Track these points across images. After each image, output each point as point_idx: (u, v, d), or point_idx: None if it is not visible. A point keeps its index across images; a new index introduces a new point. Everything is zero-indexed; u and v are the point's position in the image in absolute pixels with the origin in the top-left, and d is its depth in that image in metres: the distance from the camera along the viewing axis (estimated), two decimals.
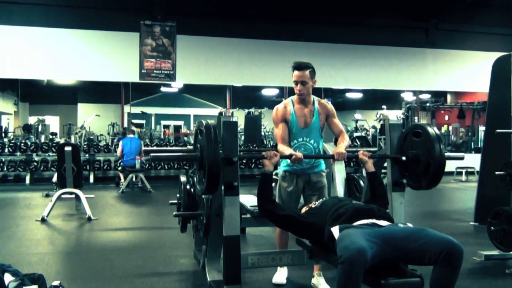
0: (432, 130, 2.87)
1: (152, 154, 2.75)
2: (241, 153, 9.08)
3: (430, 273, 2.24)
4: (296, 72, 3.17)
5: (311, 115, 3.24)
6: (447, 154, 2.88)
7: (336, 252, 2.21)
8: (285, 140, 3.21)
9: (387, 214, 2.60)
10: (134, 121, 15.26)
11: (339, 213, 2.52)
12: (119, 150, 9.28)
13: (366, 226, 2.38)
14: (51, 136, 12.67)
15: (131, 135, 9.51)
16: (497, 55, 5.60)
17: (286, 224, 2.81)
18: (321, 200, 2.87)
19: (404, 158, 2.95)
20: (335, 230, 2.37)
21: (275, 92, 16.27)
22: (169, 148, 10.69)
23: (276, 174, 3.31)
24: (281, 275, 3.44)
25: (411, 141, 2.97)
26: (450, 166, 9.77)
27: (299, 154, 2.88)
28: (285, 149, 3.07)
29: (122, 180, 9.18)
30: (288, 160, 3.18)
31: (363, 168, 3.02)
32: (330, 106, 3.36)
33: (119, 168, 9.37)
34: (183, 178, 3.78)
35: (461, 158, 3.14)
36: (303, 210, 2.89)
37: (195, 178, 3.50)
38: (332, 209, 2.57)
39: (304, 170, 3.27)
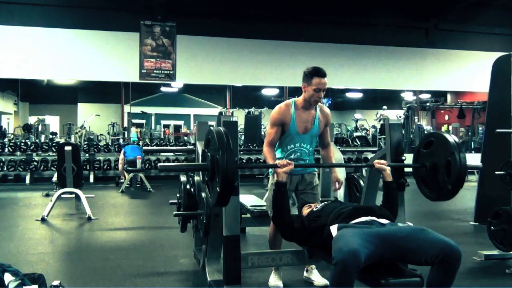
0: (448, 136, 2.79)
1: (160, 165, 2.62)
2: (242, 159, 9.03)
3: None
4: (320, 80, 3.04)
5: (312, 121, 3.19)
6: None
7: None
8: (272, 144, 3.18)
9: (387, 213, 2.61)
10: (134, 120, 15.25)
11: (339, 212, 2.54)
12: (121, 158, 9.37)
13: (366, 223, 2.39)
14: (51, 136, 12.66)
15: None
16: (497, 55, 5.60)
17: (296, 238, 2.77)
18: (322, 204, 2.87)
19: (427, 165, 2.82)
20: (334, 228, 2.39)
21: (275, 92, 16.26)
22: (169, 148, 10.71)
23: (268, 175, 3.29)
24: (274, 279, 3.38)
25: (426, 152, 2.87)
26: None
27: (287, 167, 2.74)
28: (270, 159, 3.11)
29: (126, 178, 9.19)
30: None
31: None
32: (330, 116, 3.32)
33: (125, 166, 9.35)
34: (183, 178, 3.78)
35: (480, 168, 3.00)
36: (305, 211, 2.90)
37: (195, 178, 3.50)
38: (334, 211, 2.59)
39: (298, 171, 3.25)
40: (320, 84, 3.05)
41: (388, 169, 2.83)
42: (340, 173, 3.77)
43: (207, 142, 2.66)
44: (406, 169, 3.13)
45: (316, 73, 3.05)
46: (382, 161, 2.88)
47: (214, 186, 2.52)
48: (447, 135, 2.79)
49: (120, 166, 9.53)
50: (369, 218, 2.45)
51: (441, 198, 2.83)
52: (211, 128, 2.63)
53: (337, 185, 3.31)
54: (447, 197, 2.77)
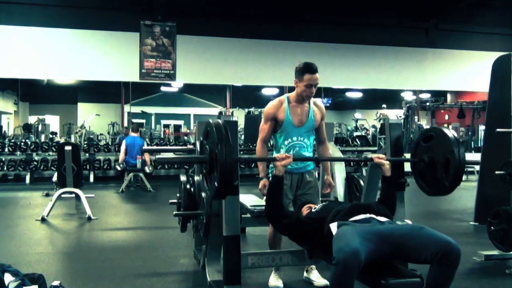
0: (446, 130, 2.82)
1: (157, 157, 2.62)
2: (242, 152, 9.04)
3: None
4: (311, 75, 3.07)
5: (306, 114, 3.20)
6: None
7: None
8: (266, 141, 3.22)
9: (385, 211, 2.61)
10: (134, 120, 15.25)
11: (338, 210, 2.55)
12: (122, 148, 8.97)
13: (364, 221, 2.40)
14: (51, 136, 12.66)
15: (133, 134, 9.26)
16: (497, 55, 5.59)
17: (290, 232, 2.79)
18: (321, 204, 2.87)
19: (425, 159, 2.83)
20: (333, 226, 2.40)
21: (275, 91, 16.25)
22: (169, 147, 10.69)
23: (267, 175, 3.28)
24: (274, 279, 3.38)
25: (425, 146, 2.88)
26: None
27: (286, 161, 2.74)
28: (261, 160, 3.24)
29: (126, 178, 9.08)
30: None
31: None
32: (324, 109, 3.35)
33: (122, 166, 9.12)
34: (183, 178, 3.78)
35: (478, 163, 3.06)
36: (305, 211, 2.90)
37: (195, 178, 3.50)
38: (332, 211, 2.59)
39: (299, 169, 3.26)
40: (311, 80, 3.08)
41: (387, 163, 2.83)
42: (340, 173, 3.78)
43: (205, 134, 2.65)
44: (406, 169, 3.13)
45: (307, 69, 3.09)
46: (381, 156, 2.90)
47: (212, 179, 2.52)
48: (447, 131, 2.81)
49: (120, 157, 8.98)
50: (367, 215, 2.45)
51: (438, 193, 2.89)
52: (210, 120, 2.62)
53: (328, 190, 3.36)
54: (444, 193, 2.85)
